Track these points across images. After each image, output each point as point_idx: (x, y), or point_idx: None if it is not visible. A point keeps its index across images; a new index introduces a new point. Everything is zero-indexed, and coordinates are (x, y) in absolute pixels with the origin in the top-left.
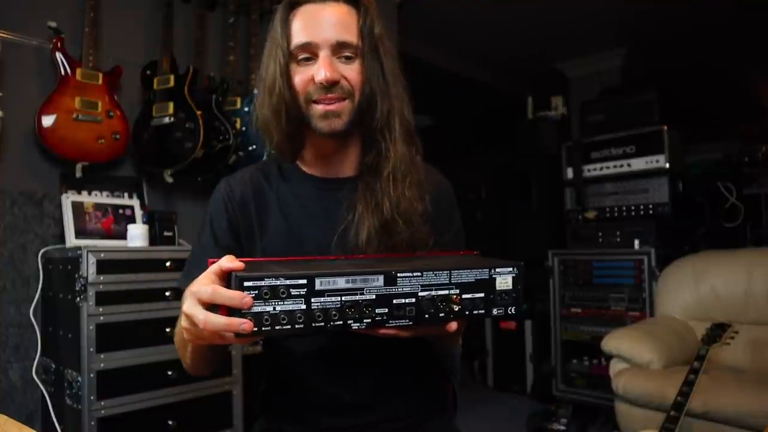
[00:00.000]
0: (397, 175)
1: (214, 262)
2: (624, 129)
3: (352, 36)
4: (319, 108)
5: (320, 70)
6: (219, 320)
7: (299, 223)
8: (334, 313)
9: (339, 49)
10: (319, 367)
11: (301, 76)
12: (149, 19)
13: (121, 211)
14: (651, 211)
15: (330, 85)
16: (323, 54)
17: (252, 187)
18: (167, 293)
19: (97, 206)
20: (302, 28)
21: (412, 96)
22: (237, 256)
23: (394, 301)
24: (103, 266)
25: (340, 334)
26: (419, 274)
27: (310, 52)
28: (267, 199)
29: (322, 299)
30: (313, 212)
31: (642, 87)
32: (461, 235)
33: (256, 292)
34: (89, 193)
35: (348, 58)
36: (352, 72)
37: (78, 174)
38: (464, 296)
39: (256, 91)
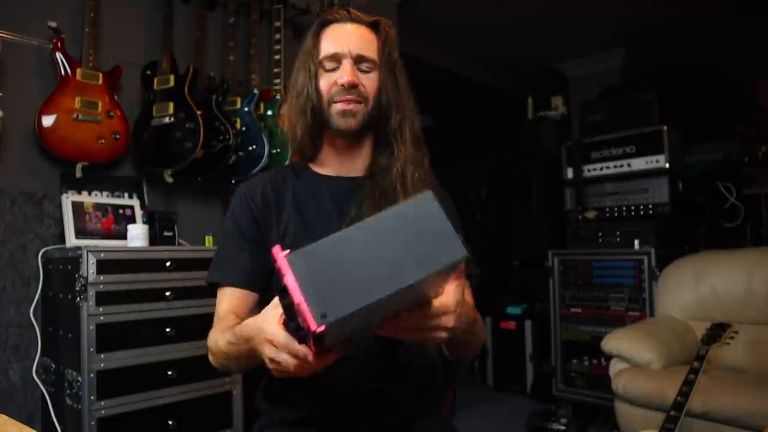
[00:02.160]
0: (406, 171)
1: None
2: (624, 129)
3: (371, 53)
4: (339, 106)
5: (343, 75)
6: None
7: (311, 216)
8: None
9: (360, 60)
10: None
11: (326, 81)
12: (149, 19)
13: (121, 211)
14: (651, 211)
15: (350, 87)
16: (346, 62)
17: (270, 184)
18: (167, 293)
19: (97, 206)
20: (330, 41)
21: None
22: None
23: None
24: (103, 266)
25: None
26: None
27: (336, 61)
28: (283, 193)
29: None
30: (324, 206)
31: (642, 87)
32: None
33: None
34: (89, 193)
35: (367, 69)
36: (369, 81)
37: (78, 174)
38: None
39: (278, 97)
